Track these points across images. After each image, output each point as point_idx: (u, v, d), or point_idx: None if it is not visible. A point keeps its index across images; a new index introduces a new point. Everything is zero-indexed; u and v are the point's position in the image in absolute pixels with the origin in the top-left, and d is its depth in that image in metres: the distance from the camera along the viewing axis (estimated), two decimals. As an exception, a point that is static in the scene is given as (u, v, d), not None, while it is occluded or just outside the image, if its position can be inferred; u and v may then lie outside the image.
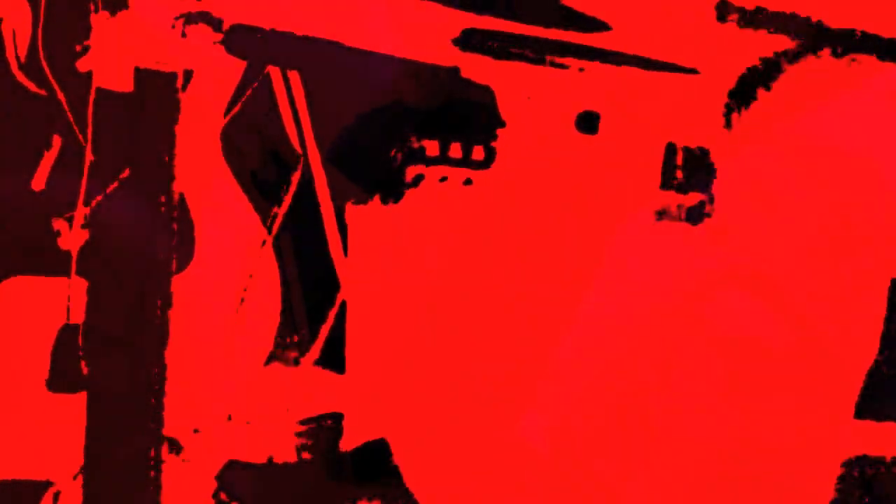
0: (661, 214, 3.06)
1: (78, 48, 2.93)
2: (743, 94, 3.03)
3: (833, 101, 3.05)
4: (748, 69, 3.02)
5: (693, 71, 3.02)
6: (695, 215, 3.06)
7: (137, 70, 2.95)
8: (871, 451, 3.06)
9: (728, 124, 3.04)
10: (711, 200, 3.07)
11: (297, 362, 3.03)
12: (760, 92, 3.03)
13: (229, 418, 3.01)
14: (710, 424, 3.05)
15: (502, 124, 3.02)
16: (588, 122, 3.03)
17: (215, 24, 2.95)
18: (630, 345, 3.06)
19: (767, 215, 3.05)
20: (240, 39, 2.97)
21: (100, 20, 2.93)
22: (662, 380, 3.06)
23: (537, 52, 3.01)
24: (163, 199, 2.98)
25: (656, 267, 3.07)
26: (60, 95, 2.95)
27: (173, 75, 2.96)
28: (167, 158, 2.97)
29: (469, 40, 3.00)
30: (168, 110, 2.97)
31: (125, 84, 2.95)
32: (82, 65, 2.93)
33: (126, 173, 2.96)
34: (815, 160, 3.05)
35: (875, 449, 3.06)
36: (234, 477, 3.02)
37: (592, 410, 3.07)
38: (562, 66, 3.02)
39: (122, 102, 2.96)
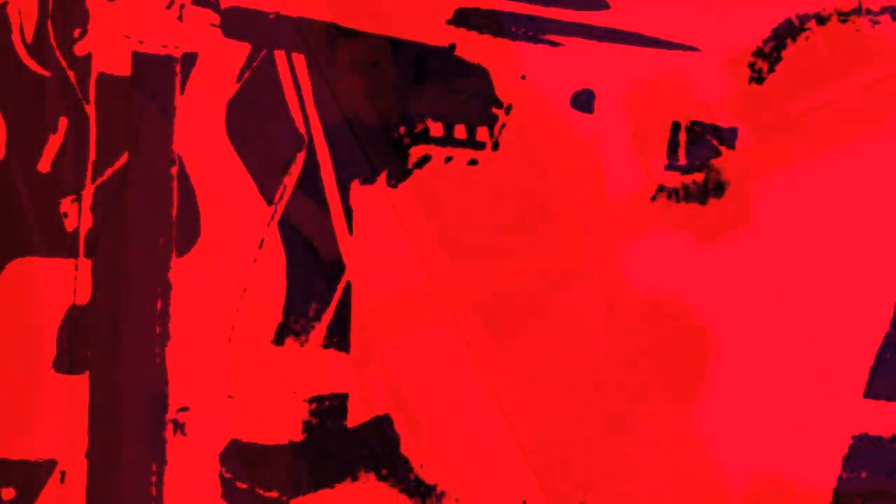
0: (667, 194, 3.06)
1: (76, 32, 2.97)
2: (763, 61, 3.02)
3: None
4: (765, 39, 3.01)
5: (693, 48, 3.03)
6: (698, 194, 3.06)
7: (135, 54, 2.98)
8: (879, 430, 3.04)
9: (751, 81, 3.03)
10: (715, 179, 3.06)
11: (302, 342, 3.04)
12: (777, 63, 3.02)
13: (230, 397, 3.02)
14: (719, 399, 3.03)
15: (499, 104, 3.03)
16: (584, 101, 3.03)
17: (213, 6, 2.99)
18: (635, 318, 3.05)
19: (779, 189, 3.04)
20: (237, 22, 3.00)
21: (97, 4, 2.97)
22: (667, 355, 3.04)
23: (532, 30, 3.02)
24: (166, 180, 3.00)
25: (664, 245, 3.06)
26: (68, 77, 2.98)
27: (171, 58, 2.99)
28: (169, 140, 3.00)
29: (463, 19, 3.02)
30: (168, 93, 3.00)
31: (123, 67, 2.98)
32: (81, 48, 2.97)
33: (125, 157, 2.99)
34: (832, 135, 3.04)
35: (884, 428, 3.04)
36: (237, 456, 3.02)
37: (595, 390, 3.05)
38: (556, 45, 3.03)
39: (123, 85, 2.99)
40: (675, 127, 3.04)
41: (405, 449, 3.02)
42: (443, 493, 3.02)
